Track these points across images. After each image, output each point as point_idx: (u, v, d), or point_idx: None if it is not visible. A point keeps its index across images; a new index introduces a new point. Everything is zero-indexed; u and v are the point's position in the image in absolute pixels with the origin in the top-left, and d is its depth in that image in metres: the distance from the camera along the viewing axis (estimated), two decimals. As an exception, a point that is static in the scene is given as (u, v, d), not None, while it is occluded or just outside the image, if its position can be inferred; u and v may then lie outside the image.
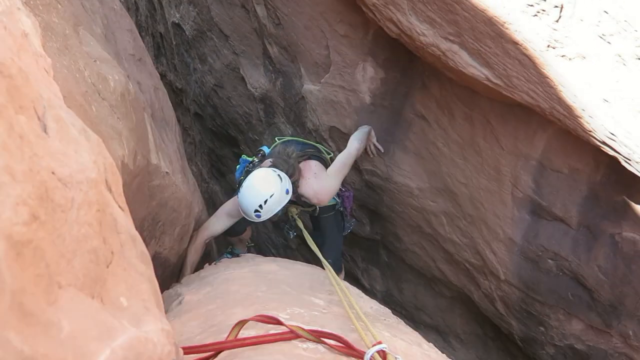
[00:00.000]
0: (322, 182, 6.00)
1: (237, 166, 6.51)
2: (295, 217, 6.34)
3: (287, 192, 5.68)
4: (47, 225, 1.18)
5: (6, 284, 0.94)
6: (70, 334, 1.10)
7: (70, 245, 1.28)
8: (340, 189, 6.36)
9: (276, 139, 6.76)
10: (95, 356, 1.15)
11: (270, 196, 5.52)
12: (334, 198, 6.35)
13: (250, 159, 6.33)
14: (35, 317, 1.01)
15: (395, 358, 2.74)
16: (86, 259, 1.34)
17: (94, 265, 1.37)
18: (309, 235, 5.93)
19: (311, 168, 6.12)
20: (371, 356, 2.70)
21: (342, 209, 6.55)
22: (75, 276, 1.27)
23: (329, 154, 6.60)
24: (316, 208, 6.28)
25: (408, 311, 7.41)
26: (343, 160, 6.13)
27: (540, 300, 5.52)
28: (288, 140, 6.57)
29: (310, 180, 5.97)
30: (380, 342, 2.81)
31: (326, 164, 6.31)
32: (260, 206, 5.53)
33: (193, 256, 6.14)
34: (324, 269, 4.67)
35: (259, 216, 5.62)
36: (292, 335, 2.87)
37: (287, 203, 5.78)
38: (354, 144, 6.11)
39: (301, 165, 6.03)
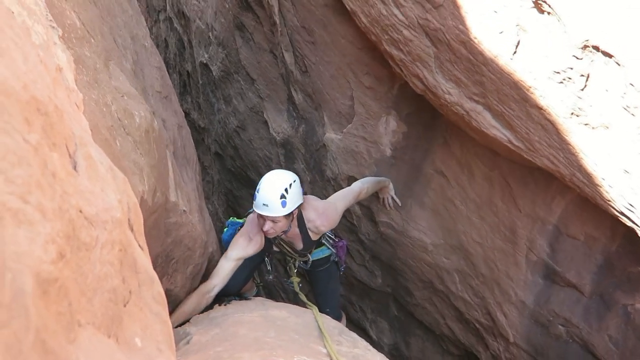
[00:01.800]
0: (327, 204, 5.90)
1: (225, 229, 6.37)
2: (292, 265, 6.30)
3: (302, 190, 5.61)
4: (72, 263, 1.20)
5: (31, 322, 0.96)
6: (87, 374, 1.12)
7: (92, 284, 1.30)
8: (334, 240, 6.32)
9: None
10: (110, 396, 1.16)
11: (294, 181, 5.45)
12: (328, 248, 6.29)
13: (241, 221, 6.19)
14: (56, 355, 1.02)
15: None
16: (105, 297, 1.36)
17: (112, 304, 1.39)
18: (298, 288, 6.06)
19: (312, 197, 6.08)
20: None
21: (336, 259, 6.44)
22: (94, 315, 1.29)
23: None
24: (309, 259, 6.20)
25: (414, 367, 7.36)
26: (344, 191, 6.08)
27: (549, 366, 5.48)
28: None
29: (313, 202, 5.88)
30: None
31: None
32: (287, 190, 5.36)
33: (190, 307, 5.58)
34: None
35: (285, 204, 5.38)
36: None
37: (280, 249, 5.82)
38: (358, 184, 6.10)
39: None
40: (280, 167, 7.71)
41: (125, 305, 1.50)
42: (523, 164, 4.85)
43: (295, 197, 5.43)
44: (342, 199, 5.94)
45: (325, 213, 5.81)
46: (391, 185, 6.25)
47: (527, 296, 5.44)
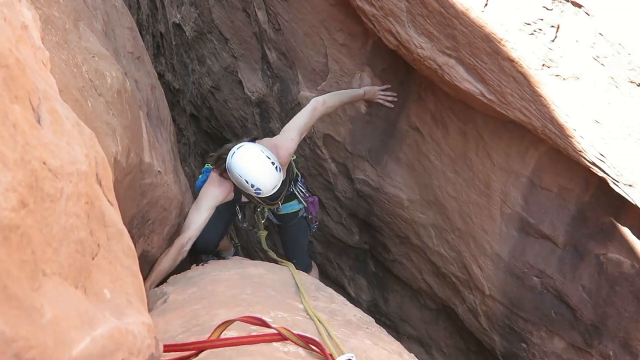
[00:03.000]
0: (278, 138, 5.80)
1: (200, 176, 6.31)
2: (260, 215, 6.26)
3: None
4: (36, 213, 1.20)
5: (-9, 266, 0.96)
6: (52, 321, 1.12)
7: (58, 234, 1.30)
8: (304, 195, 6.26)
9: None
10: (76, 344, 1.17)
11: (268, 156, 5.33)
12: (298, 203, 6.26)
13: None
14: (19, 301, 1.03)
15: None
16: (72, 249, 1.36)
17: (79, 255, 1.39)
18: (265, 239, 6.10)
19: (266, 139, 5.98)
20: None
21: (306, 214, 6.41)
22: (61, 265, 1.29)
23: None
24: (279, 206, 6.12)
25: (393, 322, 7.43)
26: (297, 116, 5.91)
27: (524, 317, 5.55)
28: None
29: (267, 142, 5.76)
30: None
31: None
32: (272, 161, 5.31)
33: (166, 263, 5.59)
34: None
35: (279, 169, 5.39)
36: (274, 337, 2.89)
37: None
38: (312, 101, 5.91)
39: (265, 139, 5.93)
40: (256, 127, 7.69)
41: (93, 258, 1.50)
42: (496, 117, 4.88)
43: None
44: (295, 126, 5.80)
45: (277, 145, 5.72)
46: (376, 88, 6.01)
47: (502, 249, 5.49)
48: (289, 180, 6.03)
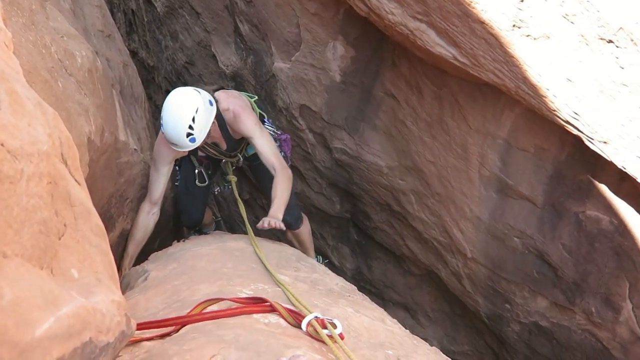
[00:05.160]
0: (247, 107, 5.66)
1: None
2: (228, 164, 6.12)
3: (211, 103, 5.28)
4: (-6, 195, 1.19)
5: (-56, 251, 0.95)
6: (13, 301, 1.12)
7: (19, 216, 1.30)
8: (276, 132, 6.11)
9: None
10: (39, 324, 1.17)
11: (196, 110, 5.06)
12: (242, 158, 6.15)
13: None
14: (-25, 284, 1.02)
15: (331, 321, 2.78)
16: (35, 229, 1.35)
17: (43, 236, 1.38)
18: (235, 185, 6.02)
19: (232, 92, 5.86)
20: (308, 323, 2.74)
21: (241, 164, 6.25)
22: (23, 246, 1.28)
23: (251, 97, 6.22)
24: (239, 159, 6.05)
25: (377, 289, 7.46)
26: (271, 145, 5.65)
27: (506, 278, 5.59)
28: None
29: (231, 97, 5.64)
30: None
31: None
32: (191, 127, 5.03)
33: (140, 232, 5.57)
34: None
35: (193, 140, 5.11)
36: (252, 309, 2.90)
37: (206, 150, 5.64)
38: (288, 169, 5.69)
39: (221, 92, 5.71)
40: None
41: (60, 238, 1.49)
42: (470, 80, 4.88)
43: (204, 123, 5.18)
44: (266, 139, 5.63)
45: (232, 94, 5.69)
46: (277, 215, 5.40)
47: (482, 211, 5.51)
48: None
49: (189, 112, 5.03)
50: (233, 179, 6.17)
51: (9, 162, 1.30)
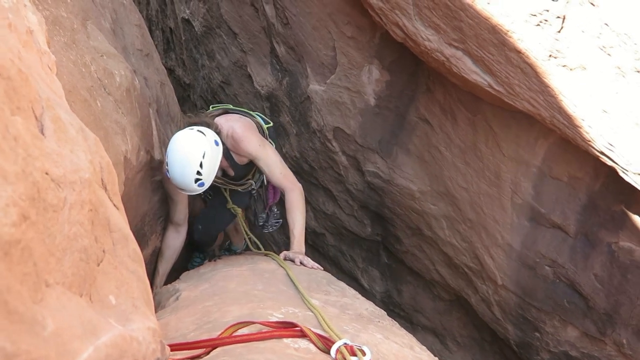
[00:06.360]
0: (247, 128, 5.48)
1: None
2: (236, 211, 5.99)
3: (217, 143, 5.10)
4: (38, 225, 1.22)
5: (-9, 284, 0.98)
6: (55, 332, 1.14)
7: (61, 244, 1.32)
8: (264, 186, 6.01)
9: (211, 107, 6.18)
10: (78, 354, 1.19)
11: (204, 155, 4.89)
12: (256, 183, 6.00)
13: None
14: (19, 315, 1.04)
15: (360, 348, 2.78)
16: (76, 257, 1.38)
17: (84, 263, 1.41)
18: (242, 220, 5.94)
19: (233, 116, 5.64)
20: (337, 350, 2.73)
21: (254, 192, 6.08)
22: (64, 274, 1.31)
23: (267, 123, 6.03)
24: (252, 185, 5.89)
25: (406, 313, 7.44)
26: (280, 164, 5.54)
27: (537, 306, 5.55)
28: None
29: (230, 121, 5.47)
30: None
31: (260, 130, 5.77)
32: (199, 172, 4.87)
33: (166, 252, 5.62)
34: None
35: (202, 184, 4.96)
36: (282, 333, 2.90)
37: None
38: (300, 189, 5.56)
39: (221, 117, 5.54)
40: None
41: (98, 264, 1.52)
42: (505, 108, 4.87)
43: (212, 166, 5.04)
44: (272, 157, 5.52)
45: (233, 118, 5.52)
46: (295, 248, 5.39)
47: (514, 239, 5.49)
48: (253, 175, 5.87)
49: (196, 158, 4.87)
50: (238, 210, 6.03)
51: (52, 191, 1.33)
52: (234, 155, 5.47)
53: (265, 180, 6.01)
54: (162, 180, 5.35)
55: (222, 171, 5.54)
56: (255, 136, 5.50)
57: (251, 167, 5.75)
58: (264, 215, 6.26)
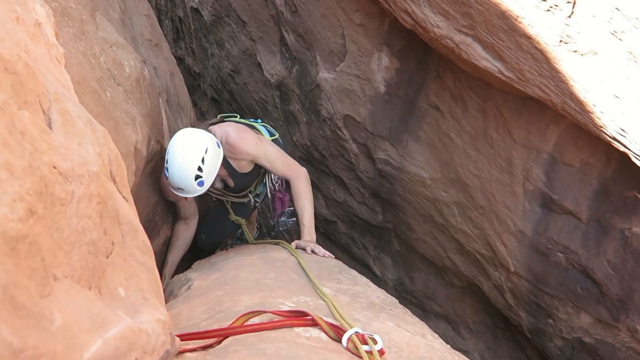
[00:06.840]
0: (241, 130, 5.38)
1: None
2: (240, 221, 5.96)
3: (219, 145, 5.05)
4: (46, 219, 1.22)
5: (-2, 280, 0.98)
6: (63, 326, 1.14)
7: (69, 237, 1.32)
8: (275, 188, 5.92)
9: (218, 116, 6.04)
10: (87, 347, 1.19)
11: (206, 150, 4.84)
12: (259, 195, 5.99)
13: None
14: (27, 310, 1.04)
15: (372, 336, 2.77)
16: (85, 250, 1.38)
17: (92, 256, 1.41)
18: (246, 229, 5.91)
19: (226, 123, 5.53)
20: (348, 338, 2.73)
21: (257, 204, 6.09)
22: (73, 268, 1.31)
23: (272, 135, 5.93)
24: (250, 199, 5.83)
25: (419, 300, 7.43)
26: (282, 156, 5.48)
27: (550, 293, 5.53)
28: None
29: (223, 127, 5.35)
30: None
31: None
32: (200, 168, 4.79)
33: (176, 243, 5.61)
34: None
35: (202, 183, 4.87)
36: (294, 322, 2.91)
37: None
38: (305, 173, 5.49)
39: (215, 125, 5.41)
40: (276, 109, 7.68)
41: (107, 257, 1.52)
42: (515, 94, 4.85)
43: (213, 164, 4.98)
44: (273, 153, 5.45)
45: (225, 124, 5.44)
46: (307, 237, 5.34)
47: (526, 225, 5.47)
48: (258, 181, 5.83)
49: (198, 153, 4.81)
50: (242, 221, 5.98)
51: (60, 185, 1.33)
52: (232, 162, 5.35)
53: (269, 193, 5.95)
54: (161, 186, 5.28)
55: (223, 183, 5.47)
56: (251, 135, 5.40)
57: (252, 178, 5.69)
58: (272, 222, 6.25)
